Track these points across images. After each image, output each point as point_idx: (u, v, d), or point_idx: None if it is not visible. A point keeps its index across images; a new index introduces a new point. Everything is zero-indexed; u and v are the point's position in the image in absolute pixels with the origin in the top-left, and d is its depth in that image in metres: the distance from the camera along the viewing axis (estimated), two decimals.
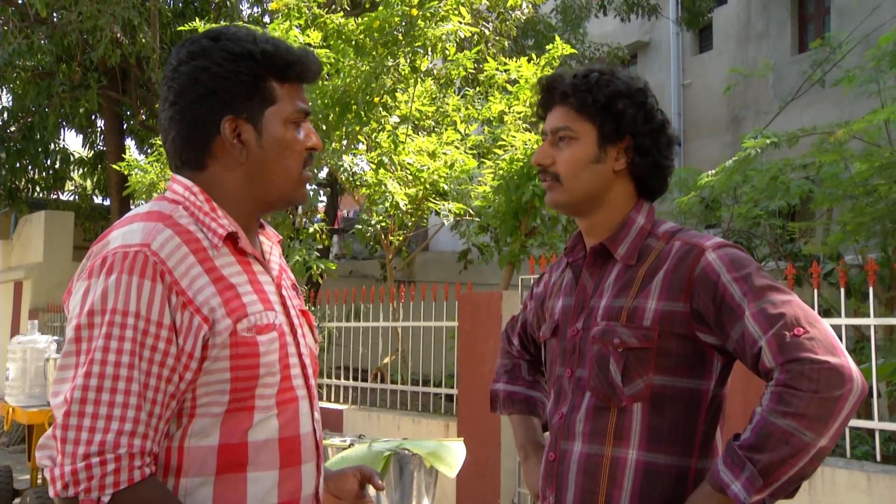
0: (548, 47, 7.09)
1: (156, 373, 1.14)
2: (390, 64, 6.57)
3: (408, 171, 6.72)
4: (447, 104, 7.45)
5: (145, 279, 1.14)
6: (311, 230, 7.24)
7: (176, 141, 1.28)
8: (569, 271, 1.60)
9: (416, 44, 6.67)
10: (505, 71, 7.38)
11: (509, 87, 7.23)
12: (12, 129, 12.47)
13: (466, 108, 7.57)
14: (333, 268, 7.07)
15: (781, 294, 1.33)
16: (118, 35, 9.59)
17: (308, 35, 6.93)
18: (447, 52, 6.80)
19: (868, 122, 5.10)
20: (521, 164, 6.08)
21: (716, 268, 1.37)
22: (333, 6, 8.42)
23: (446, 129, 7.26)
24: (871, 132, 5.32)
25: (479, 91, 7.92)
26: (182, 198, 1.27)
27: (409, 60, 6.90)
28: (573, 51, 7.23)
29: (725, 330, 1.35)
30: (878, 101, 5.75)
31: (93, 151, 13.85)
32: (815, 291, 3.87)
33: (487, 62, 7.57)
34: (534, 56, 7.21)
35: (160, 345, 1.14)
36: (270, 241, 1.40)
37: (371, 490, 1.54)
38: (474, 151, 7.20)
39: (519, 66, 7.03)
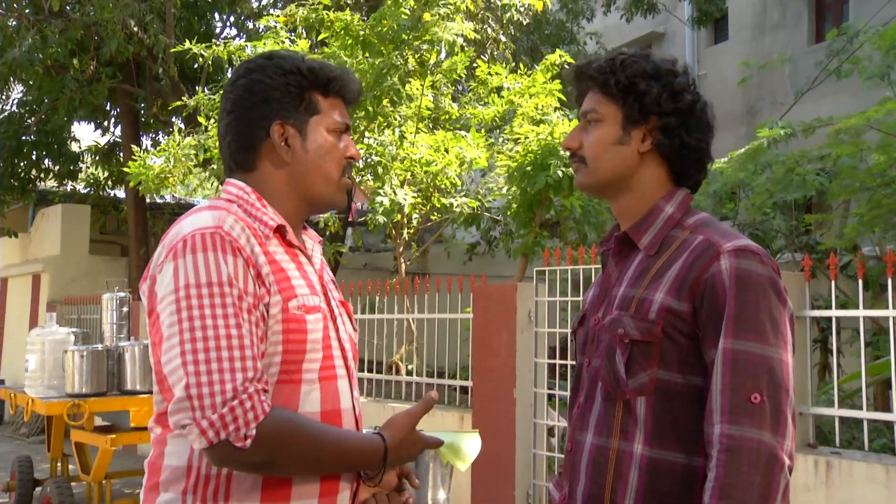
0: (547, 56, 7.14)
1: (255, 332, 1.30)
2: (398, 63, 6.55)
3: (414, 165, 6.70)
4: (446, 103, 7.48)
5: (227, 255, 1.31)
6: (323, 221, 7.27)
7: (231, 145, 1.47)
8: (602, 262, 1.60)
9: (425, 38, 6.63)
10: (495, 74, 7.42)
11: (499, 95, 7.33)
12: (30, 121, 12.56)
13: (462, 108, 7.62)
14: (343, 251, 7.11)
15: (764, 343, 1.32)
16: (133, 28, 9.63)
17: (297, 44, 6.99)
18: (454, 50, 6.78)
19: (865, 118, 5.07)
20: (535, 155, 6.07)
21: (724, 278, 1.34)
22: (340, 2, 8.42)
23: (447, 129, 7.26)
24: (888, 123, 5.27)
25: (471, 95, 7.98)
26: (236, 197, 1.44)
27: (417, 57, 6.87)
28: (571, 60, 7.28)
29: (706, 344, 1.36)
30: (894, 92, 5.69)
31: (106, 143, 13.90)
32: (833, 283, 3.84)
33: (479, 66, 7.62)
34: (525, 63, 7.27)
35: (252, 309, 1.31)
36: (312, 241, 1.56)
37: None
38: (488, 145, 7.21)
39: (515, 77, 7.12)
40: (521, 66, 7.70)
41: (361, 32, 6.77)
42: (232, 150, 1.47)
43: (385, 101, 6.73)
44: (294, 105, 1.44)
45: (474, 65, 7.93)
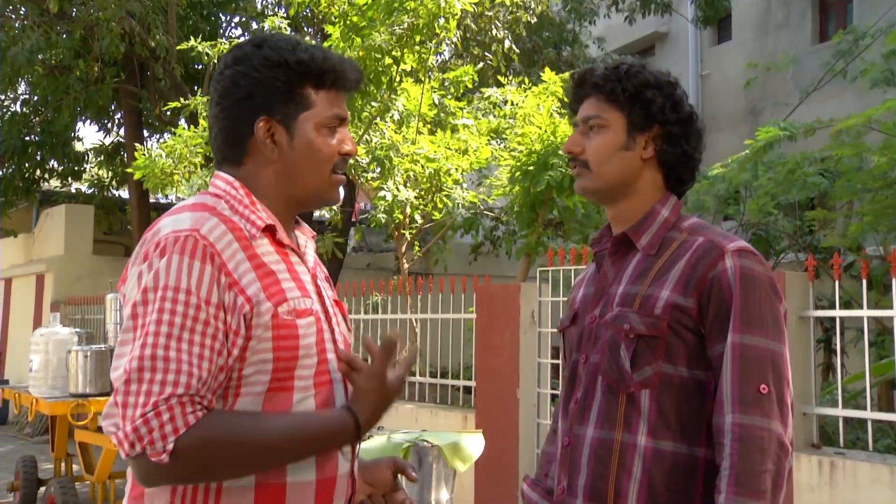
0: (543, 77, 7.17)
1: (208, 344, 1.22)
2: (391, 31, 6.45)
3: (416, 163, 6.68)
4: (449, 110, 7.49)
5: (195, 260, 1.23)
6: (327, 219, 7.29)
7: (217, 138, 1.40)
8: (593, 262, 1.64)
9: (423, 7, 6.49)
10: (498, 87, 7.44)
11: (500, 111, 7.38)
12: (34, 121, 12.59)
13: (466, 114, 7.66)
14: (340, 241, 7.17)
15: (767, 338, 1.40)
16: (135, 28, 9.64)
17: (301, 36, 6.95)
18: (447, 29, 6.70)
19: (867, 118, 5.05)
20: (537, 154, 6.07)
21: (730, 276, 1.41)
22: None
23: (448, 133, 7.26)
24: (888, 124, 5.26)
25: (476, 103, 8.00)
26: (223, 192, 1.36)
27: (410, 28, 6.72)
28: (561, 82, 7.34)
29: (711, 339, 1.42)
30: None
31: (110, 143, 13.93)
32: (836, 283, 3.84)
33: (482, 88, 7.66)
34: (527, 81, 7.30)
35: (210, 320, 1.23)
36: (305, 236, 1.49)
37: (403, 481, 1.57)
38: (487, 139, 7.22)
39: (522, 92, 7.16)
40: (526, 80, 7.75)
41: (358, 21, 6.70)
42: (219, 144, 1.40)
43: (384, 74, 6.63)
44: (281, 100, 1.35)
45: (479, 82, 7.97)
